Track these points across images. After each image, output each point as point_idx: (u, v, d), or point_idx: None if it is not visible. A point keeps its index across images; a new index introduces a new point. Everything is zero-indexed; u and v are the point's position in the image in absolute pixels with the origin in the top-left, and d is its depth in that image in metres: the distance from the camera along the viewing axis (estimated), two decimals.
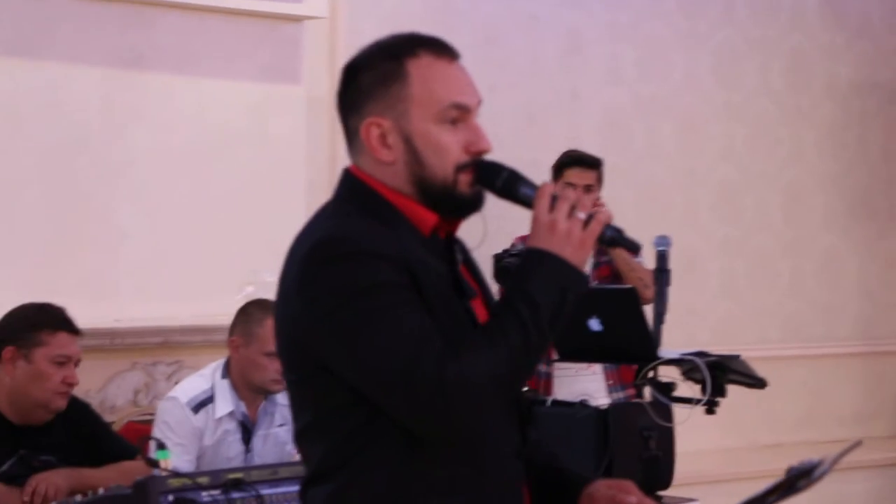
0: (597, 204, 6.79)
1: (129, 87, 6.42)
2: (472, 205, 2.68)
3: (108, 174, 6.32)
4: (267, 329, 5.04)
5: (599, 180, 6.86)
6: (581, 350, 5.03)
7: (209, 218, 6.47)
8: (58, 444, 4.71)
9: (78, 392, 5.70)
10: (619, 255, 6.66)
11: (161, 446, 4.38)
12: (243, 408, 5.18)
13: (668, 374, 4.97)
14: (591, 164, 6.86)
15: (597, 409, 4.95)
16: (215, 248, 6.31)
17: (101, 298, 6.18)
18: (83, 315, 5.92)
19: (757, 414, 8.90)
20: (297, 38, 6.88)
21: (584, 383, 6.62)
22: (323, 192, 7.24)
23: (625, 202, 8.36)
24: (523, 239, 6.87)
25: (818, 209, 9.29)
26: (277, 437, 5.22)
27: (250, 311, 5.18)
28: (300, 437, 2.70)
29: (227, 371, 5.19)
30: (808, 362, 9.23)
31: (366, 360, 2.51)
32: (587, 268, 6.68)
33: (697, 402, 4.78)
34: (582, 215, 2.60)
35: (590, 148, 7.55)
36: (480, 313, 2.71)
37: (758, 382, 5.01)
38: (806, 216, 9.24)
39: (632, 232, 5.83)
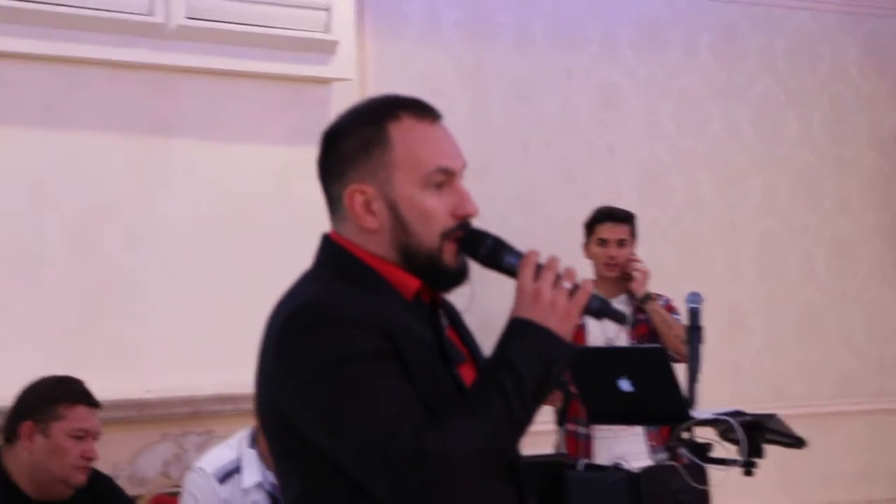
0: (632, 259, 6.71)
1: (155, 154, 6.40)
2: (458, 278, 2.62)
3: (134, 242, 6.28)
4: None
5: (633, 234, 6.79)
6: (612, 412, 4.94)
7: (237, 284, 6.41)
8: None
9: (107, 465, 5.67)
10: (656, 312, 6.56)
11: None
12: (271, 478, 5.07)
13: (705, 434, 4.85)
14: (623, 218, 6.80)
15: (629, 473, 4.84)
16: (244, 314, 6.21)
17: (129, 369, 6.13)
18: (111, 387, 5.91)
19: (811, 472, 8.74)
20: (325, 99, 6.83)
21: (624, 445, 6.50)
22: None
23: (665, 257, 8.26)
24: None
25: (864, 261, 9.14)
26: None
27: None
28: None
29: (254, 440, 5.09)
30: (862, 417, 9.06)
31: (342, 434, 2.43)
32: (625, 328, 6.64)
33: (733, 463, 4.66)
34: (567, 285, 2.52)
35: (628, 203, 7.47)
36: (468, 378, 2.61)
37: (796, 442, 4.88)
38: (852, 268, 9.09)
39: (673, 287, 5.82)
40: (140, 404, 5.90)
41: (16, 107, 6.10)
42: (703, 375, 7.95)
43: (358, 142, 2.60)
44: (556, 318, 2.50)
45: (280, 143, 6.71)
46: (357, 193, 2.58)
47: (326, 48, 6.78)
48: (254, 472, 5.04)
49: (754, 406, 7.38)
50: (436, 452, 2.38)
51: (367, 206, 2.58)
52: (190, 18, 6.37)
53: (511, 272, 2.57)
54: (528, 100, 7.97)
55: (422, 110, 2.64)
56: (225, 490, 4.99)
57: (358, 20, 7.18)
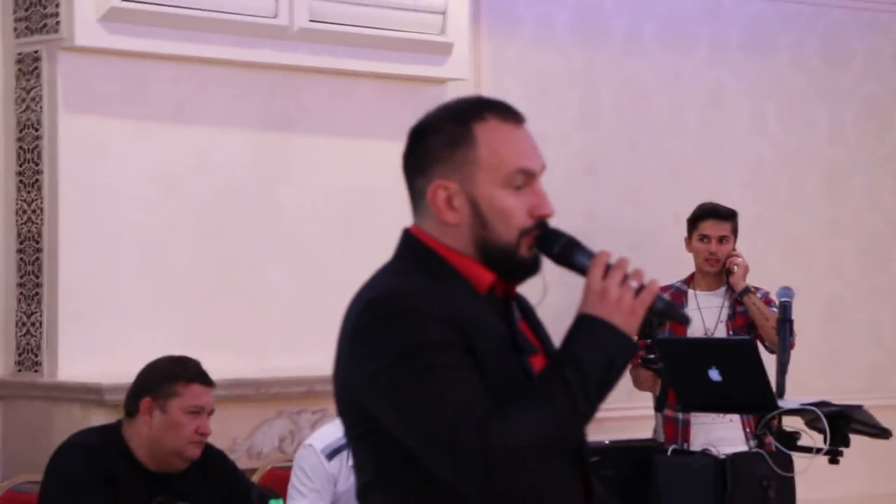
0: (732, 255, 6.70)
1: (278, 148, 6.49)
2: (531, 268, 2.62)
3: (256, 231, 6.38)
4: None
5: (734, 231, 6.76)
6: (702, 400, 4.95)
7: (353, 272, 6.40)
8: (192, 490, 4.73)
9: (226, 439, 5.79)
10: (754, 304, 6.54)
11: (274, 496, 4.36)
12: None
13: (792, 423, 4.85)
14: (726, 215, 6.78)
15: (716, 459, 4.83)
16: None
17: (248, 350, 6.23)
18: (231, 366, 6.04)
19: None
20: (441, 98, 6.85)
21: (720, 431, 6.49)
22: None
23: (769, 252, 8.23)
24: (661, 290, 6.81)
25: None
26: None
27: None
28: (362, 494, 2.63)
29: None
30: None
31: (411, 421, 2.44)
32: (722, 316, 6.64)
33: (818, 451, 4.66)
34: (634, 284, 2.51)
35: (733, 200, 7.46)
36: (539, 369, 2.60)
37: (882, 433, 4.86)
38: None
39: (777, 282, 5.79)
40: (257, 383, 6.00)
41: (151, 103, 6.21)
42: (802, 365, 7.96)
43: (444, 139, 2.60)
44: (621, 315, 2.49)
45: (397, 140, 6.64)
46: (440, 189, 2.58)
47: (442, 50, 6.84)
48: None
49: (853, 397, 7.36)
50: (499, 443, 2.38)
51: (449, 201, 2.57)
52: (313, 21, 6.46)
53: (582, 270, 2.57)
54: (636, 100, 7.97)
55: (507, 113, 2.62)
56: (333, 466, 5.05)
57: (473, 23, 7.23)
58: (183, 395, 4.70)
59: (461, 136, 2.59)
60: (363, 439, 2.58)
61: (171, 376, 4.74)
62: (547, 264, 2.67)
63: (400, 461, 2.51)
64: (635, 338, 2.53)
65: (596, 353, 2.48)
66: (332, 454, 5.06)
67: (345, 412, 2.61)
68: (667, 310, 2.57)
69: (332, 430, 5.15)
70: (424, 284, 2.54)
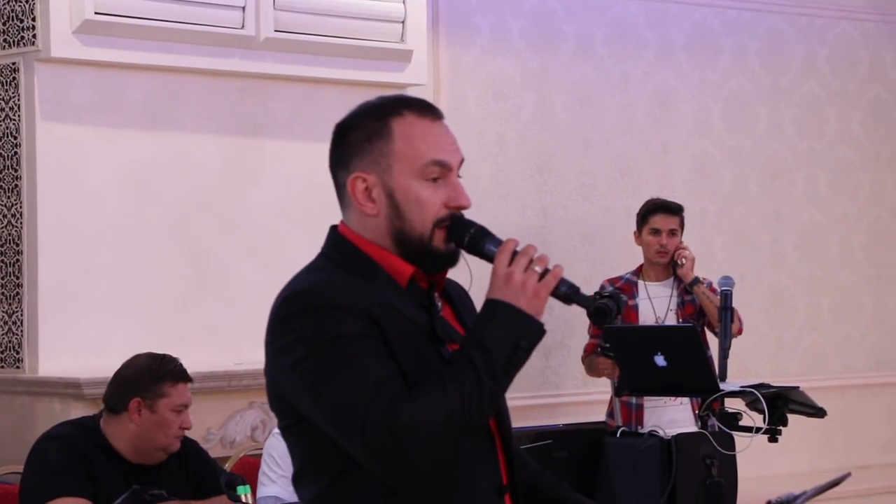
0: (680, 247, 6.68)
1: (247, 152, 6.44)
2: (446, 260, 2.60)
3: (227, 232, 6.33)
4: None
5: (682, 225, 6.77)
6: (649, 384, 4.93)
7: None
8: (167, 478, 4.70)
9: (200, 430, 5.73)
10: (703, 294, 6.53)
11: (242, 482, 4.31)
12: None
13: (734, 405, 4.82)
14: (674, 210, 6.78)
15: (661, 439, 4.81)
16: None
17: (221, 345, 6.19)
18: (205, 360, 5.99)
19: (848, 439, 8.66)
20: None
21: (672, 413, 6.49)
22: None
23: (715, 244, 8.21)
24: (612, 281, 6.77)
25: None
26: None
27: None
28: (295, 482, 2.62)
29: None
30: (893, 389, 8.95)
31: (326, 406, 2.44)
32: (672, 305, 6.61)
33: (758, 430, 4.63)
34: (538, 269, 2.50)
35: (680, 195, 7.42)
36: None
37: (817, 412, 4.84)
38: (887, 254, 8.97)
39: (723, 271, 5.77)
40: (229, 376, 5.94)
41: (124, 112, 6.15)
42: (748, 350, 7.95)
43: (363, 134, 2.58)
44: (526, 299, 2.47)
45: None
46: (359, 181, 2.58)
47: (402, 57, 6.78)
48: None
49: (794, 379, 7.35)
50: (407, 421, 2.37)
51: (368, 192, 2.57)
52: (278, 31, 6.40)
53: (490, 258, 2.55)
54: (588, 102, 7.94)
55: (424, 109, 2.61)
56: None
57: (431, 31, 7.18)
58: (171, 395, 4.68)
59: (379, 130, 2.57)
60: (291, 430, 2.56)
61: (158, 377, 4.70)
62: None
63: (325, 449, 2.49)
64: (541, 319, 2.50)
65: (502, 335, 2.46)
66: None
67: (273, 405, 2.59)
68: (570, 293, 2.53)
69: None
70: (342, 280, 2.52)
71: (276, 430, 5.14)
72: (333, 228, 2.67)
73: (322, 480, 2.52)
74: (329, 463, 2.50)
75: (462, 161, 2.62)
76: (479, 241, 2.56)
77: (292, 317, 2.48)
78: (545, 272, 2.50)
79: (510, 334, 2.46)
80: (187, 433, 4.81)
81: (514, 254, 2.51)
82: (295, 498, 4.90)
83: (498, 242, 2.56)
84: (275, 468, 5.00)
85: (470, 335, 2.50)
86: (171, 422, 4.65)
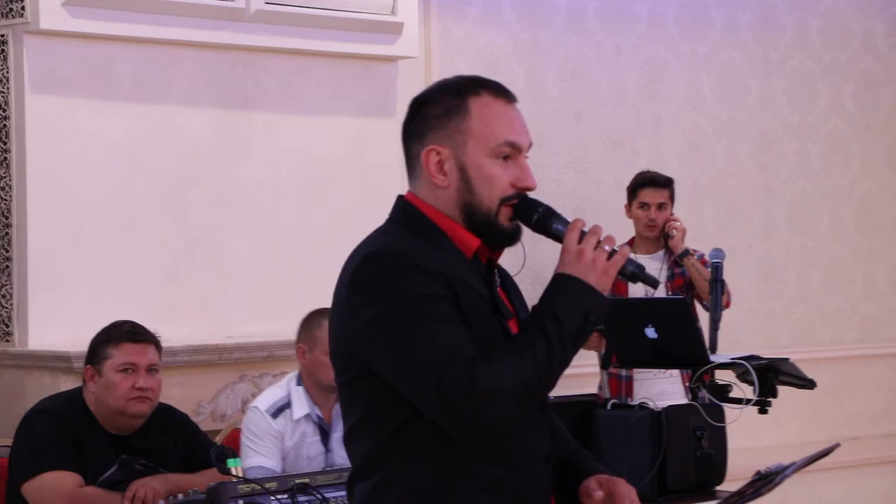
0: (671, 220, 6.66)
1: (238, 125, 6.37)
2: (509, 237, 2.67)
3: (219, 205, 6.27)
4: (325, 331, 5.02)
5: (671, 198, 6.74)
6: (639, 356, 4.90)
7: (311, 243, 6.39)
8: (154, 449, 4.67)
9: (191, 402, 5.71)
10: (692, 266, 6.51)
11: (232, 455, 4.28)
12: (318, 411, 5.15)
13: (725, 377, 4.78)
14: (663, 183, 6.76)
15: (652, 412, 4.78)
16: (315, 269, 6.22)
17: (212, 318, 6.13)
18: (197, 333, 5.95)
19: (837, 410, 8.64)
20: (392, 76, 6.78)
21: (662, 385, 6.47)
22: None
23: (706, 217, 8.17)
24: None
25: (890, 219, 8.97)
26: None
27: (310, 319, 5.17)
28: (348, 437, 2.68)
29: (300, 379, 5.15)
30: (884, 361, 8.92)
31: (404, 365, 2.50)
32: (662, 277, 6.58)
33: (748, 402, 4.59)
34: (607, 248, 2.58)
35: (671, 168, 7.38)
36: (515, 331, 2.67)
37: (807, 383, 4.80)
38: (878, 226, 8.93)
39: (714, 244, 5.75)
40: (220, 349, 5.89)
41: (114, 84, 6.08)
42: (738, 322, 7.91)
43: (441, 108, 2.65)
44: (595, 275, 2.55)
45: (351, 116, 6.67)
46: (433, 153, 2.64)
47: (393, 29, 6.71)
48: (302, 406, 5.11)
49: (784, 351, 7.31)
50: (485, 383, 2.45)
51: (441, 165, 2.64)
52: (268, 3, 6.32)
53: (558, 237, 2.63)
54: (580, 75, 7.88)
55: (500, 90, 2.69)
56: (278, 423, 5.07)
57: (423, 3, 7.12)
58: (113, 356, 4.66)
59: (456, 106, 2.65)
60: (353, 383, 2.63)
61: (103, 340, 4.72)
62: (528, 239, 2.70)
63: (386, 404, 2.56)
64: (607, 294, 2.59)
65: (572, 307, 2.54)
66: (277, 412, 5.11)
67: (338, 358, 2.66)
68: (637, 272, 2.63)
69: (275, 392, 5.21)
70: (417, 243, 2.60)
71: (253, 405, 5.20)
72: (401, 197, 2.72)
73: (377, 436, 2.59)
74: (387, 419, 2.57)
75: (531, 145, 2.72)
76: (548, 221, 2.65)
77: (373, 275, 2.54)
78: (613, 251, 2.58)
79: (581, 307, 2.54)
80: (178, 405, 4.78)
81: (583, 233, 2.59)
82: (278, 468, 4.94)
83: (566, 222, 2.63)
84: (256, 441, 5.03)
85: (543, 305, 2.57)
86: (116, 383, 4.61)
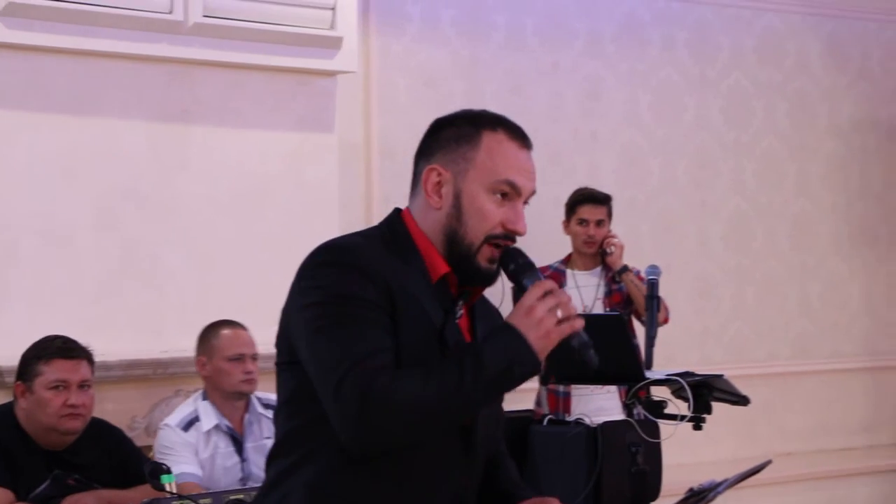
0: (609, 236, 6.67)
1: (175, 139, 6.32)
2: (483, 277, 2.66)
3: (155, 219, 6.22)
4: (223, 338, 5.26)
5: (609, 214, 6.76)
6: (573, 373, 4.87)
7: (248, 257, 6.36)
8: (87, 464, 4.62)
9: (125, 417, 5.64)
10: (631, 282, 6.53)
11: (167, 471, 4.24)
12: (226, 421, 5.18)
13: (660, 393, 4.79)
14: (602, 200, 6.77)
15: (587, 427, 4.77)
16: (252, 284, 6.19)
17: (148, 333, 6.08)
18: (132, 348, 5.89)
19: (771, 426, 8.70)
20: (331, 90, 6.76)
21: (600, 402, 6.48)
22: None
23: (643, 233, 8.20)
24: (540, 270, 6.74)
25: (824, 237, 9.06)
26: (267, 449, 5.15)
27: (207, 330, 5.30)
28: (276, 414, 2.72)
29: (205, 394, 5.27)
30: (817, 377, 8.99)
31: (318, 355, 2.51)
32: (599, 294, 6.59)
33: (682, 418, 4.60)
34: (560, 314, 2.55)
35: (608, 184, 7.40)
36: None
37: (741, 400, 4.80)
38: (812, 243, 9.01)
39: (650, 260, 5.77)
40: (156, 363, 5.85)
41: (50, 97, 6.02)
42: (674, 338, 7.95)
43: (454, 132, 2.68)
44: (537, 334, 2.52)
45: (289, 130, 6.64)
46: (434, 172, 2.66)
47: (332, 44, 6.69)
48: (210, 418, 5.18)
49: (719, 367, 7.35)
50: (381, 391, 2.43)
51: (438, 186, 2.65)
52: (207, 16, 6.28)
53: (524, 290, 2.60)
54: (518, 91, 7.90)
55: (517, 134, 2.71)
56: (190, 436, 5.12)
57: (362, 18, 7.11)
58: (44, 373, 4.61)
59: (469, 135, 2.67)
60: (284, 367, 2.65)
61: (33, 356, 4.67)
62: None
63: (310, 392, 2.56)
64: (542, 360, 2.56)
65: (500, 353, 2.50)
66: (187, 426, 5.19)
67: (277, 340, 2.68)
68: (580, 348, 2.60)
69: (183, 408, 5.31)
70: (378, 251, 2.61)
71: (163, 423, 5.23)
72: (395, 210, 2.76)
73: (298, 420, 2.61)
74: (309, 406, 2.57)
75: (533, 193, 2.71)
76: (522, 273, 2.64)
77: (321, 265, 2.58)
78: (566, 319, 2.55)
79: (509, 356, 2.50)
80: (113, 419, 4.73)
81: (546, 293, 2.56)
82: (201, 474, 4.97)
83: (537, 279, 2.62)
84: (172, 452, 5.08)
85: (472, 343, 2.59)
86: (48, 400, 4.58)
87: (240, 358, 5.26)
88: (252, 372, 5.25)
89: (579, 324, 2.58)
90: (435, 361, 2.53)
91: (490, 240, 2.62)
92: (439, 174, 2.65)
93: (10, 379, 5.00)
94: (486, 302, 2.79)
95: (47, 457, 4.58)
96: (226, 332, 5.35)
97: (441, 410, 2.47)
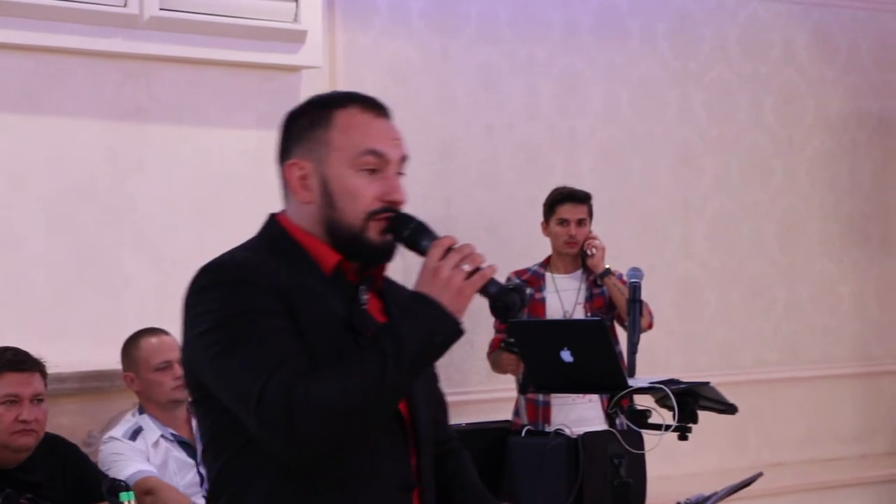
0: (590, 237, 6.67)
1: (131, 138, 6.30)
2: (380, 252, 2.67)
3: (111, 222, 6.19)
4: (145, 349, 5.26)
5: (590, 214, 6.77)
6: (555, 381, 4.87)
7: (207, 259, 6.31)
8: (41, 483, 4.59)
9: (81, 431, 5.60)
10: (614, 286, 6.52)
11: (125, 488, 4.22)
12: (170, 430, 5.19)
13: (643, 401, 4.79)
14: (582, 198, 6.77)
15: (568, 438, 4.76)
16: None
17: (104, 342, 6.02)
18: (87, 359, 5.86)
19: (760, 435, 8.70)
20: (295, 86, 6.74)
21: (581, 411, 6.46)
22: None
23: (624, 234, 8.20)
24: (518, 273, 6.73)
25: (812, 236, 9.07)
26: None
27: (127, 344, 5.32)
28: (204, 454, 2.70)
29: (141, 409, 5.28)
30: (807, 383, 9.00)
31: (229, 380, 2.50)
32: (580, 298, 6.58)
33: (667, 428, 4.59)
34: (467, 267, 2.55)
35: (587, 183, 7.39)
36: None
37: (728, 408, 4.80)
38: (800, 243, 9.02)
39: (631, 262, 5.76)
40: (113, 375, 5.81)
41: None
42: (658, 344, 7.95)
43: (306, 121, 2.68)
44: (449, 295, 2.52)
45: (251, 128, 6.62)
46: (295, 167, 2.66)
47: (295, 37, 6.68)
48: (153, 430, 5.19)
49: (705, 374, 7.36)
50: (302, 398, 2.42)
51: (304, 180, 2.65)
52: (163, 10, 6.27)
53: (425, 253, 2.60)
54: (492, 86, 7.89)
55: (370, 104, 2.70)
56: (139, 444, 5.15)
57: (327, 11, 7.09)
58: None
59: (320, 118, 2.67)
60: (200, 403, 2.65)
61: None
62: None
63: (229, 424, 2.55)
64: (462, 318, 2.56)
65: (417, 326, 2.51)
66: (134, 435, 5.18)
67: (185, 378, 2.68)
68: (499, 294, 2.58)
69: (123, 423, 5.31)
70: (261, 258, 2.61)
71: (105, 437, 5.28)
72: (270, 216, 2.75)
73: (225, 455, 2.60)
74: (231, 440, 2.57)
75: (405, 157, 2.71)
76: (418, 237, 2.64)
77: (204, 289, 2.57)
78: (476, 271, 2.54)
79: (426, 327, 2.51)
80: (68, 434, 4.70)
81: (448, 250, 2.57)
82: (160, 474, 4.96)
83: (435, 238, 2.62)
84: (121, 456, 5.09)
85: (388, 323, 2.57)
86: (0, 415, 4.52)
87: (167, 365, 5.25)
88: (181, 377, 5.23)
89: (490, 271, 2.57)
90: (351, 353, 2.53)
91: (371, 217, 2.63)
92: (300, 167, 2.65)
93: None
94: (395, 284, 2.80)
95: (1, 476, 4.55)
96: (148, 341, 5.34)
97: (369, 401, 2.48)
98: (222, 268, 2.59)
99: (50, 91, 6.10)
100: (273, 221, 2.72)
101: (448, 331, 2.53)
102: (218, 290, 2.54)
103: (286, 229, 2.68)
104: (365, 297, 2.68)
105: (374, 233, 2.63)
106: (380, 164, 2.64)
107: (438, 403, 2.83)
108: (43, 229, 6.03)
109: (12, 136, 5.99)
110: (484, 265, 2.57)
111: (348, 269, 2.67)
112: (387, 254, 2.67)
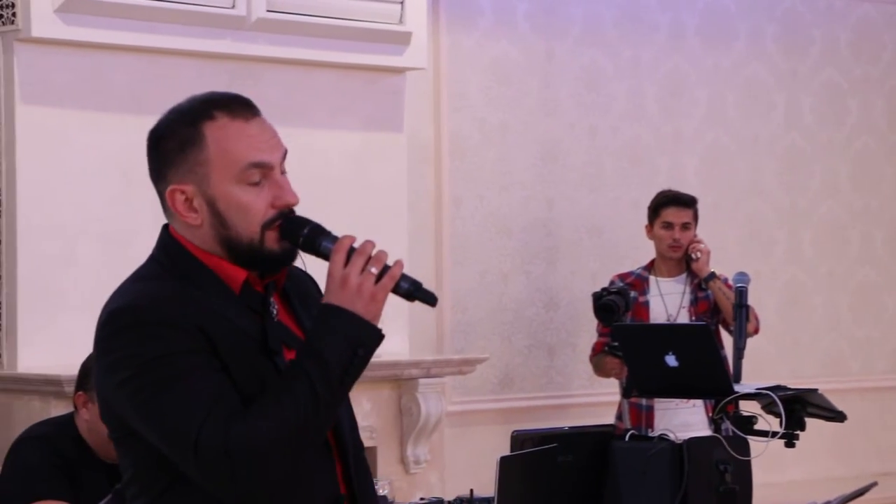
0: (695, 241, 6.68)
1: None
2: (282, 260, 2.59)
3: None
4: None
5: (695, 218, 6.77)
6: (659, 386, 4.91)
7: (312, 263, 6.42)
8: None
9: None
10: (719, 290, 6.53)
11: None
12: None
13: (749, 408, 4.82)
14: (687, 202, 6.78)
15: (672, 444, 4.78)
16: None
17: None
18: None
19: (867, 444, 8.66)
20: (400, 88, 6.84)
21: (684, 416, 6.48)
22: (426, 236, 7.19)
23: (728, 239, 8.20)
24: (622, 276, 6.77)
25: None
26: None
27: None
28: (125, 491, 2.63)
29: None
30: None
31: (159, 428, 2.45)
32: (684, 302, 6.60)
33: (774, 435, 4.62)
34: (374, 270, 2.49)
35: (692, 186, 7.42)
36: None
37: (837, 416, 4.82)
38: None
39: (736, 268, 5.78)
40: None
41: (109, 95, 6.13)
42: (763, 350, 7.95)
43: (175, 142, 2.59)
44: (363, 303, 2.47)
45: (356, 130, 6.72)
46: (177, 193, 2.57)
47: (400, 39, 6.77)
48: None
49: (811, 381, 7.34)
50: (241, 442, 2.40)
51: (189, 203, 2.57)
52: (270, 11, 6.39)
53: (327, 257, 2.54)
54: (595, 88, 7.94)
55: (236, 108, 2.61)
56: None
57: (432, 12, 7.18)
58: None
59: (191, 137, 2.58)
60: (121, 442, 2.59)
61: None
62: None
63: (154, 463, 2.51)
64: (379, 324, 2.51)
65: (338, 343, 2.47)
66: None
67: (103, 416, 2.62)
68: (412, 290, 2.53)
69: None
70: (172, 289, 2.53)
71: None
72: (165, 230, 2.67)
73: (149, 494, 2.54)
74: (157, 478, 2.53)
75: (285, 153, 2.63)
76: (315, 240, 2.57)
77: (117, 334, 2.49)
78: (384, 271, 2.50)
79: (347, 343, 2.47)
80: None
81: (351, 251, 2.51)
82: None
83: (334, 240, 2.56)
84: None
85: (307, 345, 2.50)
86: None
87: None
88: None
89: (398, 269, 2.50)
90: (272, 379, 2.49)
91: (268, 226, 2.56)
92: (183, 191, 2.56)
93: (70, 388, 5.08)
94: (295, 274, 2.70)
95: (109, 470, 4.64)
96: None
97: (306, 430, 2.45)
98: (133, 310, 2.49)
99: (159, 92, 6.22)
100: (170, 239, 2.63)
101: (369, 341, 2.49)
102: (132, 334, 2.47)
103: (186, 248, 2.59)
104: (275, 306, 2.62)
105: (272, 242, 2.56)
106: (264, 173, 2.57)
107: (347, 405, 2.71)
108: (150, 227, 6.12)
109: (123, 136, 6.12)
110: (390, 262, 2.51)
111: (253, 280, 2.59)
112: (288, 259, 2.60)
